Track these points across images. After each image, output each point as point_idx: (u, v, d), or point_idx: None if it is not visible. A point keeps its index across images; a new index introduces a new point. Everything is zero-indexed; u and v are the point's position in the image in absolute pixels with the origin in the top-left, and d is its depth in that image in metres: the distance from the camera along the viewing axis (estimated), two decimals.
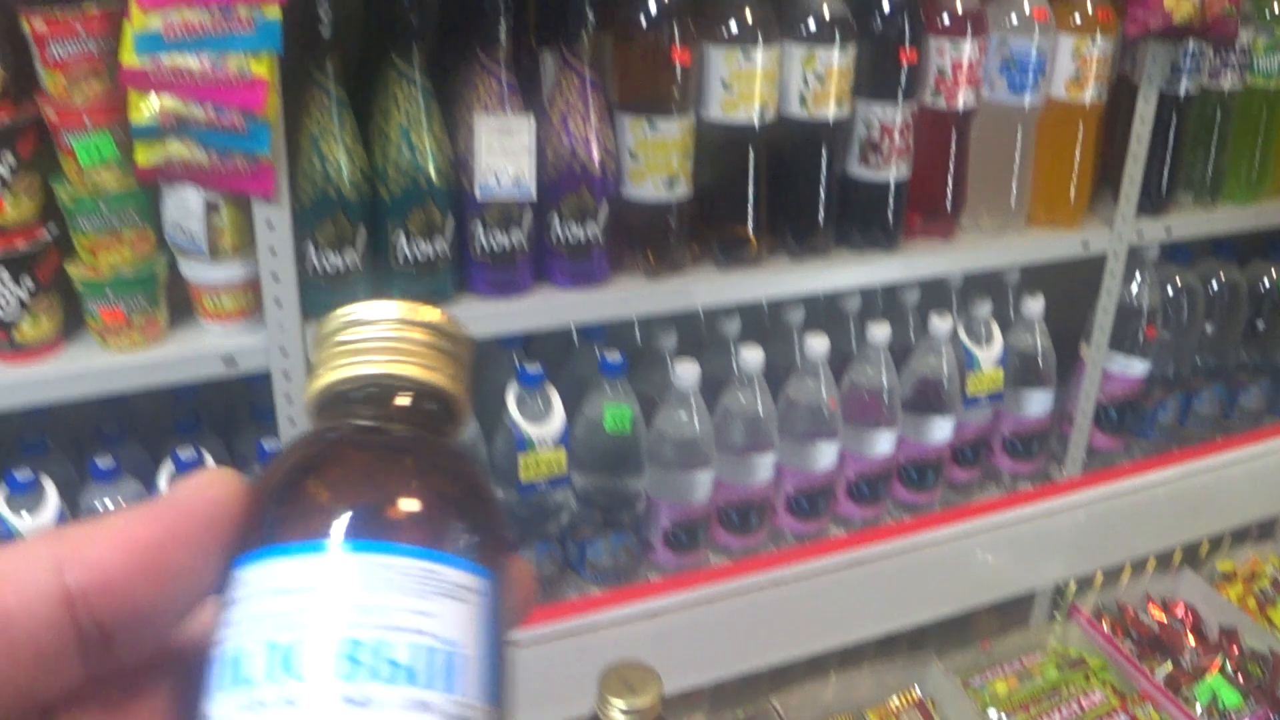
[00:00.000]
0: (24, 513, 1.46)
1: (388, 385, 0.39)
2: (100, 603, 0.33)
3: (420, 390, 0.39)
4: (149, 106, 1.33)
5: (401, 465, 0.36)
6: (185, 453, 1.52)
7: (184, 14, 1.29)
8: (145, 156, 1.37)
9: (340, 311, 0.39)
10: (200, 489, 0.36)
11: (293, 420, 1.50)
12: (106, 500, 1.52)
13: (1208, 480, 2.04)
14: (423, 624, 0.32)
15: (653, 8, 1.50)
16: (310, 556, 0.33)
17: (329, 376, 0.39)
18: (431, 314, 0.40)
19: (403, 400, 0.39)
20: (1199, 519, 2.07)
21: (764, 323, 1.90)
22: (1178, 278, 2.18)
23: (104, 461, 1.51)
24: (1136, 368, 2.14)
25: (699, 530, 1.76)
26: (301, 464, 0.37)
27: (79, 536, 0.34)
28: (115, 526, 0.34)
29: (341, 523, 0.34)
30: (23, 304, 1.41)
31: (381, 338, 0.39)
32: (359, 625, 0.32)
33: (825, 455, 1.79)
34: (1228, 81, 1.99)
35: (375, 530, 0.34)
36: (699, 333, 1.86)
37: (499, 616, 0.35)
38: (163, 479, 1.52)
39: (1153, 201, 1.99)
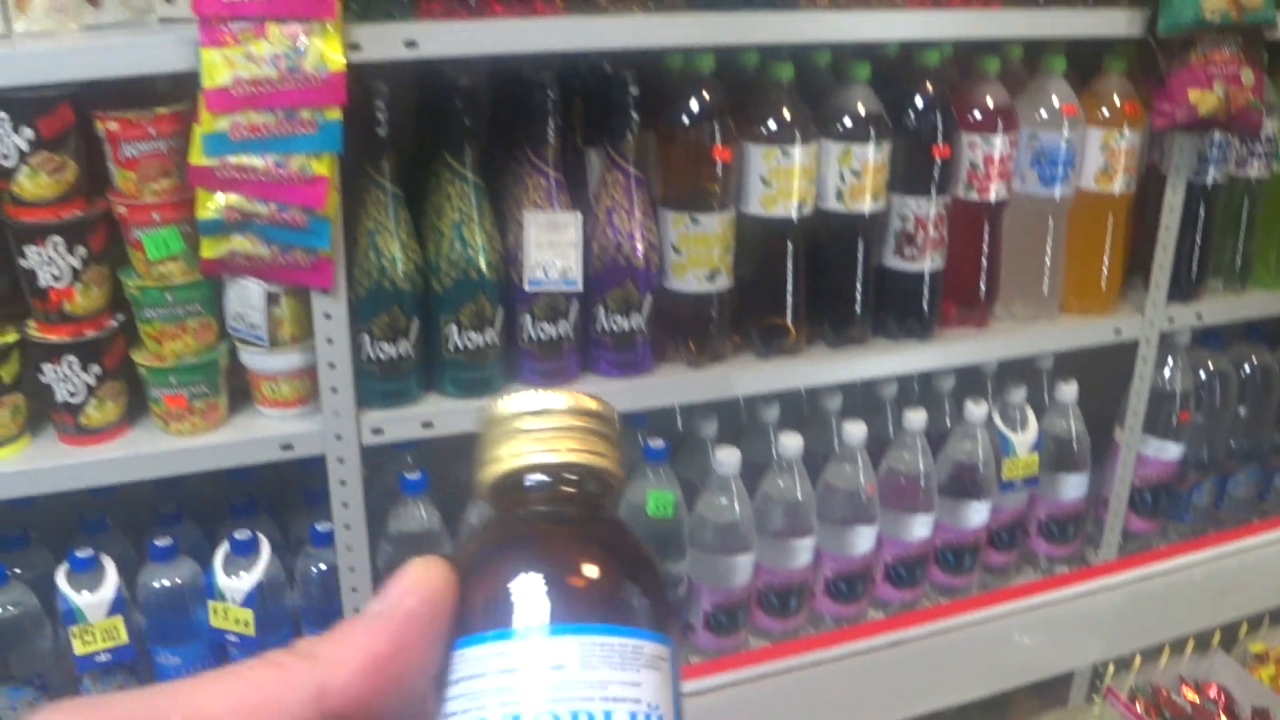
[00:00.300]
0: (84, 591, 1.51)
1: (562, 471, 0.43)
2: (354, 714, 0.37)
3: (589, 474, 0.43)
4: (215, 203, 1.39)
5: (595, 549, 0.41)
6: (240, 534, 1.57)
7: (250, 116, 1.36)
8: (210, 250, 1.43)
9: (507, 401, 0.43)
10: (417, 586, 0.39)
11: (345, 504, 1.55)
12: (164, 580, 1.56)
13: (1244, 561, 2.04)
14: (635, 693, 0.37)
15: (695, 108, 1.57)
16: (533, 640, 0.37)
17: (509, 464, 0.43)
18: (590, 402, 0.43)
19: (574, 485, 0.43)
20: (1237, 600, 2.07)
21: (803, 409, 1.94)
22: (1210, 362, 2.20)
23: (161, 541, 1.56)
24: (1170, 451, 2.16)
25: (739, 613, 1.78)
26: (507, 549, 0.41)
27: (331, 660, 0.37)
28: (358, 644, 0.37)
29: (559, 606, 0.38)
30: (90, 389, 1.47)
31: (551, 427, 0.43)
32: (584, 699, 0.36)
33: (863, 539, 1.82)
34: (1254, 170, 2.03)
35: (588, 612, 0.38)
36: (739, 419, 1.91)
37: (678, 674, 0.40)
38: (218, 560, 1.57)
39: (1183, 288, 2.02)
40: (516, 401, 0.43)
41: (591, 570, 0.40)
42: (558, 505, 0.43)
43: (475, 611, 0.39)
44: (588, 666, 0.37)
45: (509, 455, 0.43)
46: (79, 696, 0.36)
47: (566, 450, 0.42)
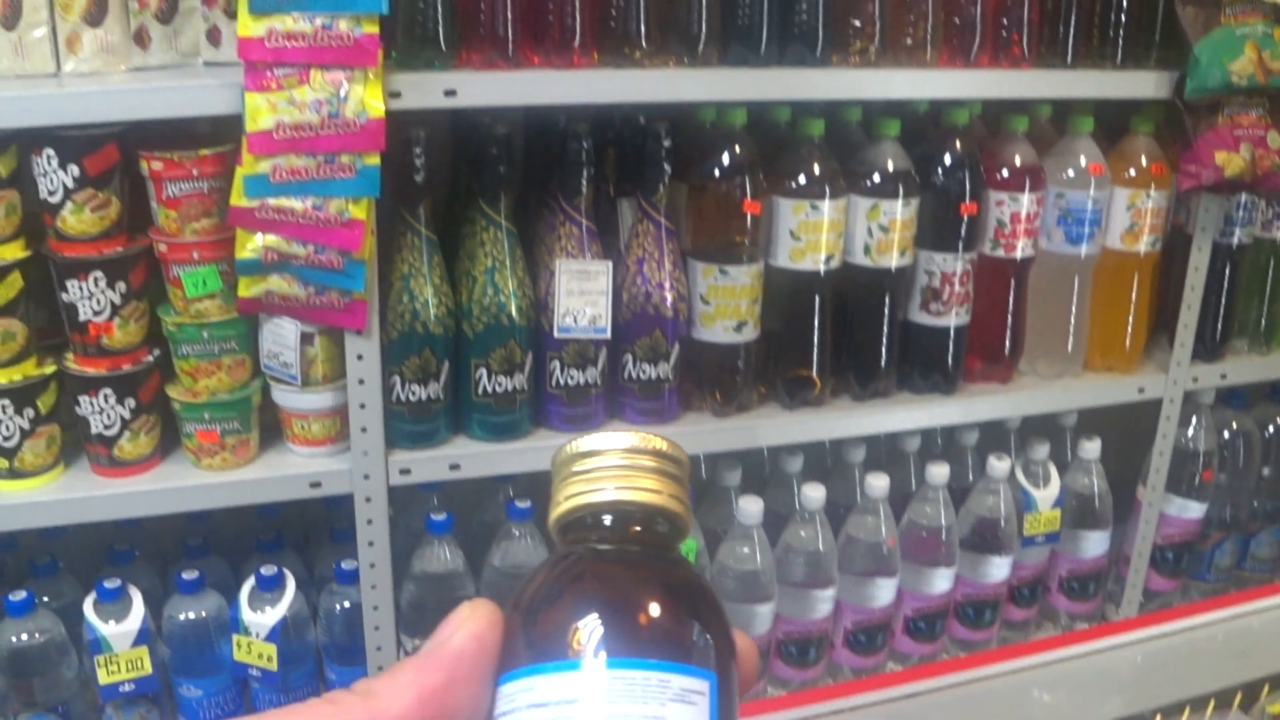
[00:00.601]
0: (111, 621, 1.52)
1: (627, 511, 0.44)
2: None
3: (655, 514, 0.44)
4: (254, 243, 1.42)
5: (639, 588, 0.42)
6: (266, 569, 1.58)
7: (291, 160, 1.39)
8: (247, 289, 1.46)
9: (580, 441, 0.45)
10: (465, 625, 0.42)
11: (371, 543, 1.57)
12: (189, 612, 1.58)
13: (1266, 620, 2.04)
14: None
15: (726, 161, 1.59)
16: (562, 674, 0.39)
17: (576, 501, 0.44)
18: (660, 443, 0.45)
19: (640, 524, 0.44)
20: (1258, 660, 2.06)
21: (826, 461, 1.95)
22: (1234, 422, 2.20)
23: (188, 574, 1.58)
24: (1193, 510, 2.16)
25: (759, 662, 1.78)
26: (556, 588, 0.42)
27: (385, 694, 0.40)
28: (411, 679, 0.40)
29: (592, 642, 0.39)
30: (124, 422, 1.50)
31: (620, 465, 0.44)
32: None
33: (884, 592, 1.82)
34: None
35: (619, 647, 0.39)
36: (763, 469, 1.92)
37: (723, 709, 0.40)
38: (244, 595, 1.59)
39: (1208, 348, 2.03)
40: (588, 442, 0.44)
41: (626, 605, 0.41)
42: (622, 544, 0.44)
43: (514, 647, 0.41)
44: (612, 701, 0.38)
45: (573, 493, 0.44)
46: None
47: (628, 490, 0.43)
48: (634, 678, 0.38)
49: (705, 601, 0.43)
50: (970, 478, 1.98)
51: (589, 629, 0.39)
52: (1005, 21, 1.68)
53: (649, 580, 0.42)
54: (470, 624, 0.42)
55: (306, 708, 0.40)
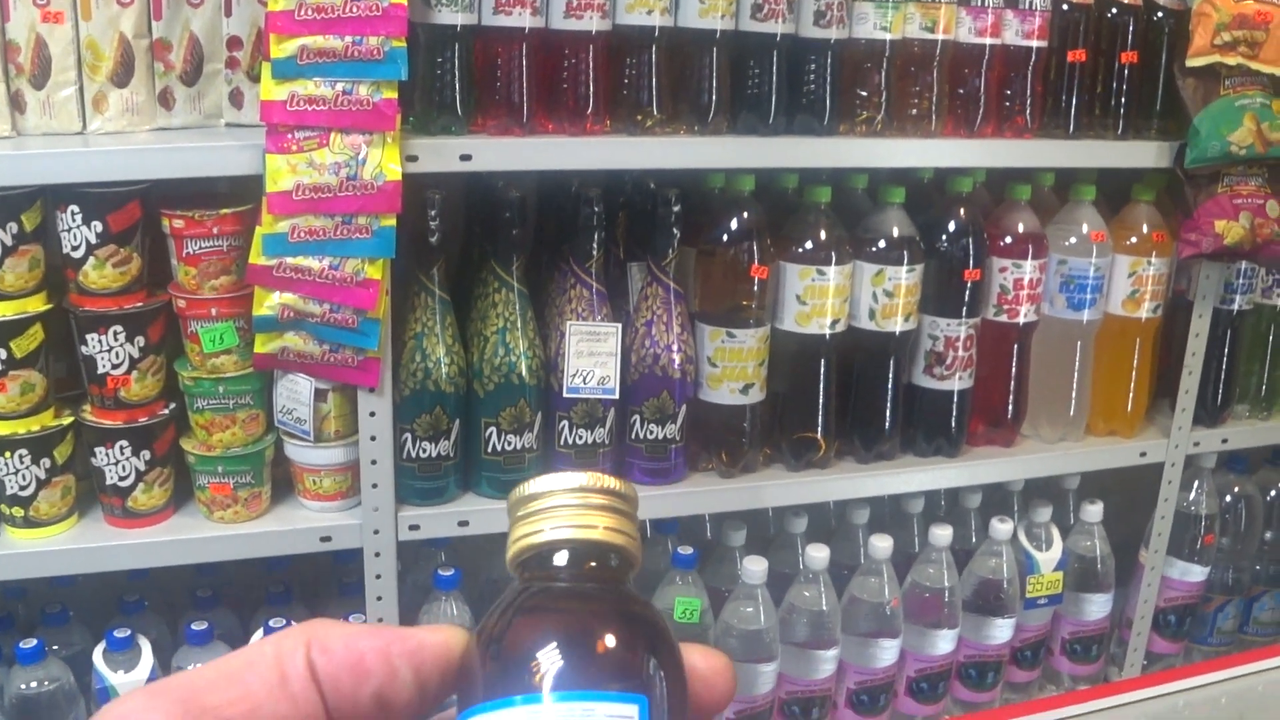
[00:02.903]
0: (120, 670, 1.53)
1: (576, 548, 0.45)
2: (326, 679, 0.42)
3: (605, 550, 0.45)
4: (271, 301, 1.45)
5: (569, 621, 0.43)
6: (275, 622, 1.60)
7: (309, 220, 1.42)
8: (263, 346, 1.49)
9: (531, 482, 0.46)
10: (435, 631, 0.44)
11: (380, 597, 1.58)
12: (199, 663, 1.58)
13: (1268, 681, 2.04)
14: None
15: (734, 226, 1.63)
16: (499, 712, 0.40)
17: (525, 541, 0.45)
18: (609, 481, 0.46)
19: (592, 560, 0.45)
20: None
21: (830, 522, 1.97)
22: (1236, 486, 2.22)
23: (198, 625, 1.59)
24: (1195, 573, 2.16)
25: None
26: (495, 629, 0.43)
27: (327, 628, 0.43)
28: (350, 630, 0.43)
29: (521, 678, 0.40)
30: (139, 474, 1.52)
31: (574, 504, 0.45)
32: None
33: (887, 653, 1.83)
34: None
35: (543, 682, 0.40)
36: (768, 529, 1.93)
37: None
38: None
39: (1209, 412, 2.05)
40: (544, 481, 0.46)
41: (544, 639, 0.42)
42: (578, 582, 0.45)
43: (479, 682, 0.42)
44: None
45: (529, 532, 0.45)
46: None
47: (581, 528, 0.45)
48: (558, 710, 0.39)
49: (642, 629, 0.43)
50: (973, 540, 1.99)
51: (519, 666, 0.41)
52: (1009, 92, 1.72)
53: (583, 613, 0.44)
54: (440, 633, 0.44)
55: (254, 645, 0.43)
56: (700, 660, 0.45)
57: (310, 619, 0.44)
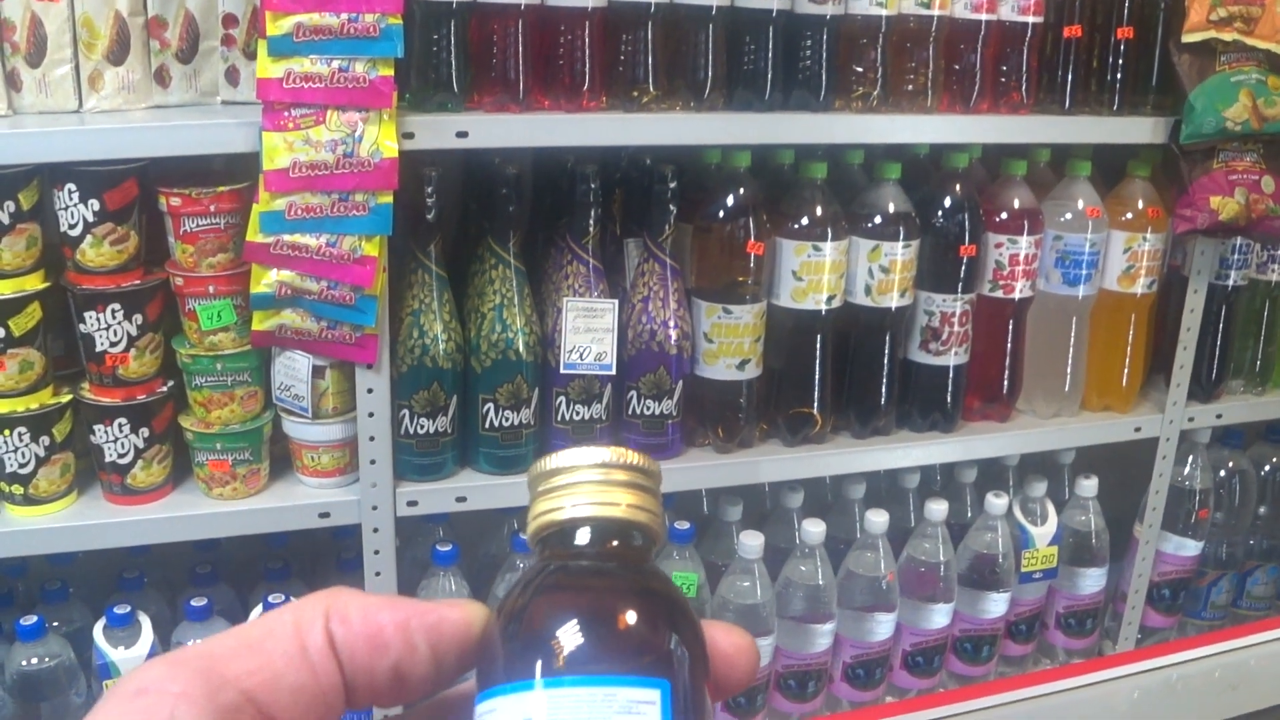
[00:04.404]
0: (120, 646, 1.54)
1: (600, 526, 0.44)
2: (344, 650, 0.42)
3: (627, 527, 0.45)
4: (268, 278, 1.45)
5: (589, 603, 0.42)
6: (274, 598, 1.60)
7: (306, 198, 1.42)
8: (261, 323, 1.49)
9: (554, 456, 0.45)
10: (455, 607, 0.44)
11: (378, 573, 1.59)
12: (198, 639, 1.60)
13: (1261, 654, 2.05)
14: None
15: (730, 202, 1.63)
16: (517, 694, 0.40)
17: (547, 518, 0.44)
18: (632, 456, 0.45)
19: (614, 538, 0.44)
20: (1254, 693, 2.08)
21: (826, 497, 1.98)
22: (1230, 461, 2.23)
23: (197, 601, 1.59)
24: (1190, 548, 2.18)
25: (757, 696, 1.80)
26: (515, 609, 0.43)
27: (345, 598, 0.43)
28: (369, 602, 0.43)
29: (539, 662, 0.40)
30: (138, 451, 1.53)
31: (597, 481, 0.44)
32: None
33: (883, 627, 1.84)
34: (1275, 273, 2.07)
35: (562, 665, 0.40)
36: (764, 504, 1.94)
37: (678, 715, 0.40)
38: None
39: (1203, 388, 2.06)
40: (566, 456, 0.44)
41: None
42: (600, 560, 0.44)
43: (498, 662, 0.42)
44: (554, 716, 0.39)
45: (556, 508, 0.44)
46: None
47: (613, 505, 0.44)
48: (579, 694, 0.39)
49: (664, 609, 0.43)
50: (969, 515, 2.00)
51: (540, 647, 0.40)
52: (1004, 68, 1.72)
53: (603, 594, 0.43)
54: (461, 609, 0.44)
55: (280, 610, 0.43)
56: (723, 638, 0.44)
57: (327, 589, 0.44)
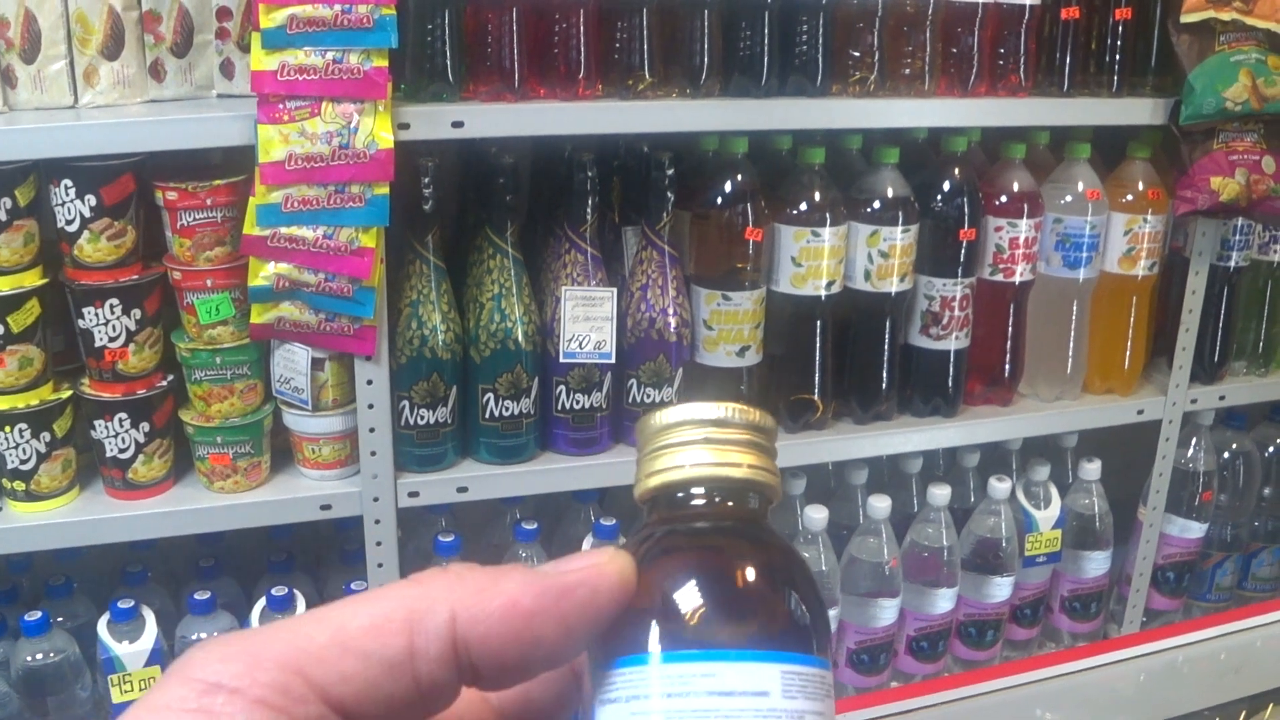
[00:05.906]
0: (124, 641, 1.55)
1: (724, 487, 0.41)
2: (477, 651, 0.36)
3: (746, 488, 0.42)
4: (266, 271, 1.45)
5: (788, 576, 0.40)
6: (277, 590, 1.60)
7: (302, 190, 1.42)
8: (259, 316, 1.49)
9: (667, 411, 0.42)
10: (587, 574, 0.38)
11: (380, 564, 1.59)
12: (202, 633, 1.60)
13: (1267, 635, 2.05)
14: None
15: (728, 189, 1.63)
16: (728, 662, 0.37)
17: (671, 475, 0.41)
18: (751, 413, 0.42)
19: (731, 499, 0.42)
20: (1261, 675, 2.07)
21: (829, 482, 1.98)
22: (1233, 443, 2.22)
23: (201, 594, 1.60)
24: (1194, 530, 2.17)
25: None
26: (689, 573, 0.39)
27: (475, 588, 0.36)
28: (503, 588, 0.37)
29: (762, 633, 0.38)
30: (139, 446, 1.53)
31: (716, 439, 0.41)
32: None
33: (887, 612, 1.84)
34: (1277, 254, 2.06)
35: (789, 641, 0.38)
36: None
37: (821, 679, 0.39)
38: (255, 615, 1.61)
39: (1206, 370, 2.05)
40: (681, 410, 0.42)
41: (793, 601, 0.39)
42: (717, 520, 0.41)
43: (659, 626, 0.38)
44: (789, 696, 0.37)
45: (674, 467, 0.42)
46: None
47: (737, 465, 0.41)
48: (808, 674, 0.38)
49: (819, 589, 0.41)
50: (972, 499, 2.00)
51: (762, 619, 0.39)
52: (1002, 51, 1.71)
53: (795, 572, 0.41)
54: (598, 570, 0.38)
55: (394, 587, 0.37)
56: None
57: (451, 567, 0.38)
